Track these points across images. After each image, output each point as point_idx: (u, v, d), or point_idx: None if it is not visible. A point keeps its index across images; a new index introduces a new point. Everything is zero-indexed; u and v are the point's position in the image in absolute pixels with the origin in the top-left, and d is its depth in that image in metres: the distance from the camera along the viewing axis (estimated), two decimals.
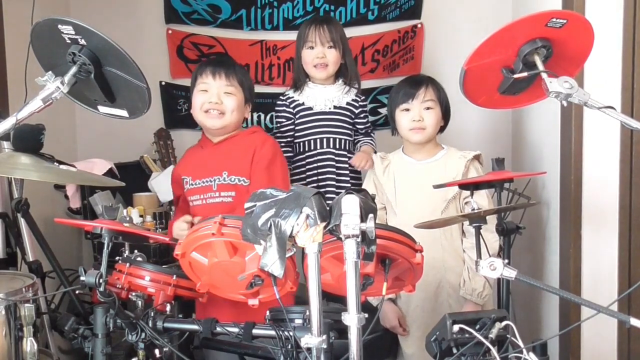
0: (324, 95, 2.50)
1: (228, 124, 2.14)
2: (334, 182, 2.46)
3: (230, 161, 2.11)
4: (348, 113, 2.51)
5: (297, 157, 2.51)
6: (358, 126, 2.56)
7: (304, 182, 2.45)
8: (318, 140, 2.48)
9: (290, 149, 2.52)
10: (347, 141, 2.51)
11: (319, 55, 2.44)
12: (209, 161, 2.15)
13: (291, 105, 2.53)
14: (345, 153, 2.50)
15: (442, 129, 2.27)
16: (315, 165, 2.48)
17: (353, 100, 2.53)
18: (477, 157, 2.19)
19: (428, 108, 2.18)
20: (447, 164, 2.19)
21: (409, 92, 2.20)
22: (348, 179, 2.48)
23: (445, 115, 2.24)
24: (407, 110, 2.20)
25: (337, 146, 2.48)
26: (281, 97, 2.58)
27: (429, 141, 2.23)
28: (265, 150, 2.12)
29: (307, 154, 2.49)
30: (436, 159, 2.23)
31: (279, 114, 2.56)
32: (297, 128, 2.52)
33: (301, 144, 2.51)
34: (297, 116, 2.51)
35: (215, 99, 2.10)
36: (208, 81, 2.13)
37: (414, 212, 2.12)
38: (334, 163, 2.47)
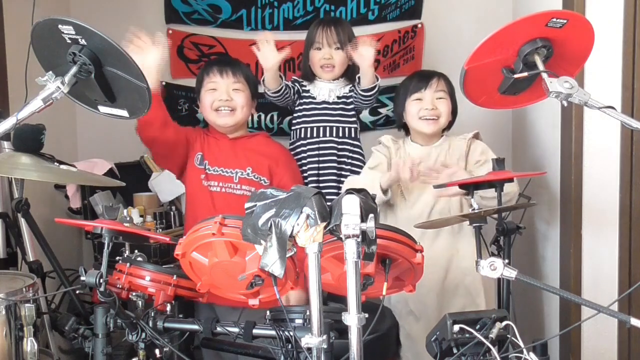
0: (328, 87, 2.50)
1: (239, 120, 2.26)
2: (335, 171, 2.43)
3: (254, 159, 2.24)
4: (347, 100, 2.49)
5: (299, 143, 2.48)
6: None
7: (304, 167, 2.43)
8: (321, 129, 2.45)
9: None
10: (351, 128, 2.49)
11: (326, 56, 2.44)
12: (228, 153, 2.24)
13: (301, 83, 2.52)
14: (348, 140, 2.47)
15: (448, 126, 2.31)
16: (316, 152, 2.44)
17: (350, 89, 2.49)
18: (475, 136, 2.26)
19: (440, 98, 2.23)
20: (451, 145, 2.26)
21: (420, 83, 2.24)
22: (349, 167, 2.46)
23: (453, 112, 2.29)
24: (419, 100, 2.22)
25: (340, 134, 2.46)
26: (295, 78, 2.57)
27: (438, 133, 2.28)
28: (288, 155, 2.36)
29: (309, 140, 2.45)
30: (439, 143, 2.29)
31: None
32: (299, 114, 2.51)
33: (302, 129, 2.48)
34: (302, 99, 2.50)
35: (225, 96, 2.21)
36: (216, 80, 2.21)
37: (422, 191, 2.19)
38: (336, 152, 2.44)
